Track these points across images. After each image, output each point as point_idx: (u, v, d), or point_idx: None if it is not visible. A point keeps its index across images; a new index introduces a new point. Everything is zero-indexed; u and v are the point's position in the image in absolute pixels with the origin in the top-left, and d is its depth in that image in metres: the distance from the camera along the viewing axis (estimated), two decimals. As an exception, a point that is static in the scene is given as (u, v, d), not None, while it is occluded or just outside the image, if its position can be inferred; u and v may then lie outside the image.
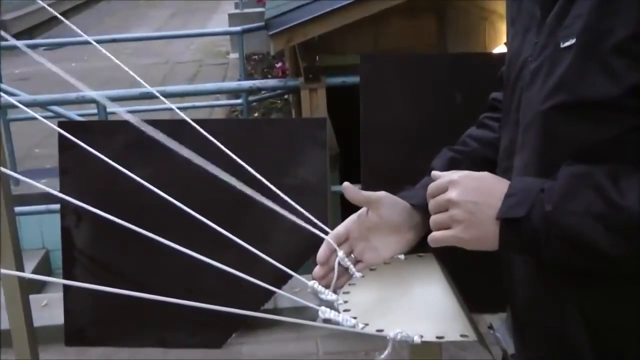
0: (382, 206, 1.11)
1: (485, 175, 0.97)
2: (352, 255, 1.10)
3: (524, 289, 1.05)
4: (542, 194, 0.90)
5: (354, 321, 0.93)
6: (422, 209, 1.10)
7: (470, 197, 0.94)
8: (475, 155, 1.20)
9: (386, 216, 1.10)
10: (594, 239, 0.87)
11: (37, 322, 2.16)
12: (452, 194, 0.95)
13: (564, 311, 0.97)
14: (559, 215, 0.89)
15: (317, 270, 1.08)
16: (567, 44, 0.91)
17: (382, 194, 1.12)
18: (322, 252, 1.09)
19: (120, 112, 1.14)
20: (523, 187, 0.93)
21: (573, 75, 0.90)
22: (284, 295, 3.25)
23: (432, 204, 0.98)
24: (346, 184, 1.11)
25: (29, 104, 3.45)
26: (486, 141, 1.20)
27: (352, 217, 1.12)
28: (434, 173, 1.02)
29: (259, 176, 1.16)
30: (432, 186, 0.99)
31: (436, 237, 0.97)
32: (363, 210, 1.11)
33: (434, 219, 0.98)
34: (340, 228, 1.11)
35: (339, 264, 1.07)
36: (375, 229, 1.10)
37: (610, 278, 0.93)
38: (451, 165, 1.17)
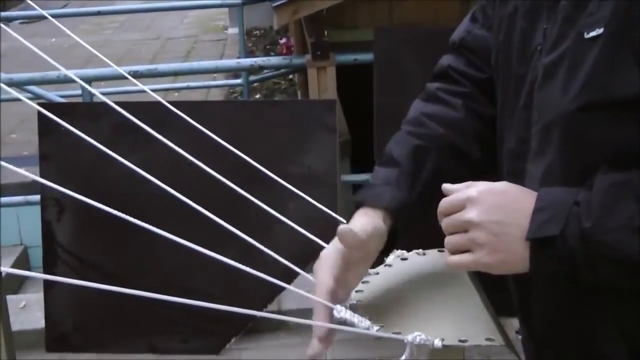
0: (371, 241, 1.05)
1: (507, 188, 0.95)
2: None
3: (544, 306, 1.03)
4: (577, 207, 0.88)
5: (368, 323, 0.93)
6: (392, 215, 1.07)
7: (493, 216, 0.91)
8: (441, 142, 1.14)
9: (372, 249, 1.05)
10: (633, 254, 0.85)
11: (15, 325, 2.17)
12: (471, 214, 0.92)
13: (597, 332, 0.96)
14: (599, 232, 0.86)
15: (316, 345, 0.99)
16: (592, 34, 0.89)
17: (369, 228, 1.05)
18: (320, 327, 0.99)
19: (102, 97, 1.14)
20: (554, 199, 0.90)
21: (604, 71, 0.88)
22: (288, 297, 3.25)
23: (446, 223, 0.95)
24: (342, 228, 1.01)
25: (4, 84, 3.46)
26: (449, 123, 1.15)
27: (338, 265, 1.02)
28: (445, 187, 0.98)
29: (258, 166, 1.17)
30: (446, 202, 0.96)
31: (455, 261, 0.94)
32: (345, 251, 1.02)
33: (450, 241, 0.95)
34: (328, 284, 1.01)
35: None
36: (352, 266, 1.03)
37: None
38: (417, 157, 1.12)
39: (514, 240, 0.91)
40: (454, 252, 0.95)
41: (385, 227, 1.06)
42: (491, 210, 0.92)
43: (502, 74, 1.07)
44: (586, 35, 0.89)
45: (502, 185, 0.95)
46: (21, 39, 1.18)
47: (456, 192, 0.96)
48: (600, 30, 0.88)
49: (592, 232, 0.86)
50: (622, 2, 0.86)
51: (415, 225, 1.12)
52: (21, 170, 0.79)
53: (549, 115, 0.95)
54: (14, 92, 1.14)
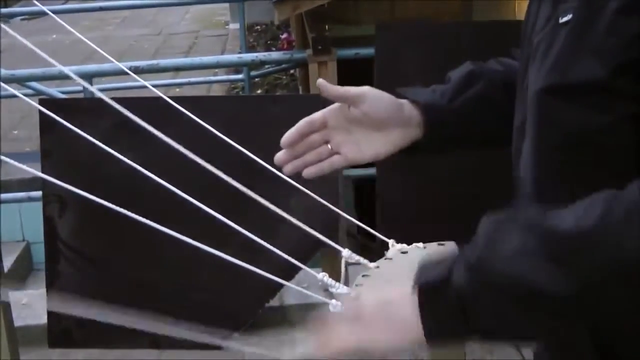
0: (365, 101, 1.09)
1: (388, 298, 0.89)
2: (329, 146, 1.11)
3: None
4: (460, 255, 0.84)
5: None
6: (424, 108, 1.11)
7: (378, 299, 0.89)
8: (495, 77, 1.18)
9: (370, 112, 1.09)
10: (533, 279, 0.77)
11: (18, 321, 2.17)
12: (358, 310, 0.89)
13: None
14: (486, 264, 0.80)
15: (280, 154, 1.09)
16: (565, 19, 0.91)
17: (365, 88, 1.10)
18: (288, 134, 1.09)
19: (99, 93, 1.14)
20: (436, 259, 0.87)
21: (566, 55, 0.90)
22: (291, 292, 3.27)
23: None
24: (320, 80, 1.07)
25: (6, 80, 3.46)
26: (514, 68, 1.16)
27: (333, 106, 1.10)
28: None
29: (258, 159, 1.17)
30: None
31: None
32: (338, 107, 1.10)
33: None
34: (317, 114, 1.09)
35: (347, 262, 1.07)
36: (357, 123, 1.09)
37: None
38: (468, 78, 1.16)
39: (402, 302, 0.85)
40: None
41: (414, 119, 1.10)
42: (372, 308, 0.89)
43: (520, 55, 1.09)
44: (560, 20, 0.92)
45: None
46: (17, 35, 1.18)
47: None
48: (570, 16, 0.90)
49: (479, 266, 0.80)
50: None
51: (443, 139, 1.15)
52: (23, 166, 0.80)
53: (530, 94, 0.97)
54: (10, 89, 1.14)
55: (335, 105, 1.10)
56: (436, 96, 1.14)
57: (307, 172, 1.12)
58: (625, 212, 0.75)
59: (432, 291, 0.83)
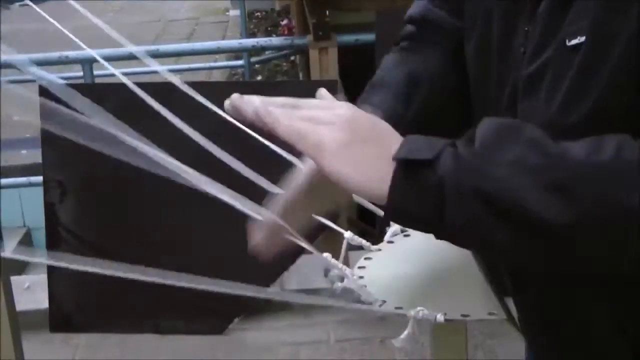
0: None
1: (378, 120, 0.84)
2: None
3: (537, 299, 0.98)
4: (453, 145, 0.78)
5: (372, 297, 0.93)
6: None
7: (365, 124, 0.80)
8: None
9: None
10: (523, 197, 0.73)
11: (19, 306, 2.18)
12: (343, 111, 0.81)
13: (593, 326, 0.91)
14: (479, 163, 0.75)
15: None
16: (574, 42, 0.85)
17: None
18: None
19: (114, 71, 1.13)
20: (428, 137, 0.80)
21: (585, 83, 0.84)
22: (292, 277, 3.26)
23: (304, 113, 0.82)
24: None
25: (5, 66, 3.45)
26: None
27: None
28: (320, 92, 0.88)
29: (265, 142, 1.16)
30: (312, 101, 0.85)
31: (300, 127, 0.79)
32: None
33: (301, 115, 0.81)
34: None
35: (349, 244, 1.07)
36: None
37: None
38: (410, 82, 1.08)
39: (380, 155, 0.78)
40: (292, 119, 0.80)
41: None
42: (364, 120, 0.82)
43: (478, 69, 1.03)
44: (568, 43, 0.86)
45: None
46: (48, 16, 1.17)
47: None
48: (582, 39, 0.84)
49: (470, 163, 0.75)
50: (601, 13, 0.83)
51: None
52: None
53: (536, 123, 0.93)
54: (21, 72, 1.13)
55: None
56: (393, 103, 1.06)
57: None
58: (637, 160, 0.72)
59: (413, 167, 0.76)
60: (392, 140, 0.80)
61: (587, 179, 0.73)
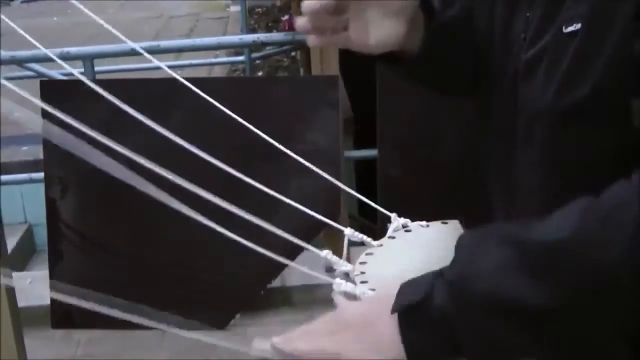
0: None
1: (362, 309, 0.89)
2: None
3: None
4: (440, 276, 0.82)
5: (372, 293, 0.93)
6: (427, 12, 1.05)
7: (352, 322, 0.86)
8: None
9: None
10: (516, 295, 0.75)
11: (21, 302, 2.18)
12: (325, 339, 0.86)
13: None
14: (466, 282, 0.78)
15: (302, 19, 1.01)
16: (570, 28, 0.86)
17: None
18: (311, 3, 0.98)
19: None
20: (416, 278, 0.85)
21: (580, 68, 0.86)
22: (293, 273, 3.26)
23: None
24: None
25: (6, 62, 3.44)
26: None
27: None
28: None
29: (266, 136, 1.16)
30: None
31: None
32: None
33: None
34: None
35: (350, 241, 1.07)
36: (373, 6, 1.01)
37: None
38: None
39: (383, 320, 0.83)
40: None
41: (419, 21, 1.04)
42: (353, 321, 0.86)
43: (490, 59, 1.04)
44: (564, 30, 0.87)
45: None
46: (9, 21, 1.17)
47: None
48: (578, 25, 0.86)
49: (459, 284, 0.79)
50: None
51: (434, 52, 1.07)
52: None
53: (531, 110, 0.93)
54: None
55: None
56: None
57: (313, 41, 1.07)
58: (600, 220, 0.74)
59: (413, 311, 0.81)
60: (383, 316, 0.83)
61: (554, 259, 0.75)
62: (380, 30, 1.04)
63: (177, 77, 1.18)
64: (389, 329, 0.82)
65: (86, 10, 1.20)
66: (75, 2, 1.12)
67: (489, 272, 0.77)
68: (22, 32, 1.16)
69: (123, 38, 1.16)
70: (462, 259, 0.81)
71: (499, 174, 1.04)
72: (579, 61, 0.86)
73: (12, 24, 1.20)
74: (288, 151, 1.13)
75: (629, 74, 0.82)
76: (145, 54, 1.21)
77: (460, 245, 0.83)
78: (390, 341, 0.82)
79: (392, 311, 0.82)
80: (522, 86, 0.95)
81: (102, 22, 1.16)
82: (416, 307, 0.80)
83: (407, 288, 0.83)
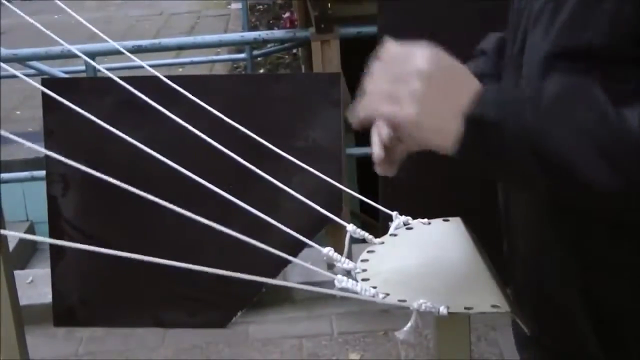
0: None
1: (457, 63, 0.88)
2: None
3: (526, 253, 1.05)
4: (527, 102, 0.82)
5: (373, 291, 0.93)
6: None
7: (442, 76, 0.84)
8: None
9: None
10: (579, 163, 0.78)
11: (23, 300, 2.18)
12: (423, 64, 0.84)
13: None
14: (542, 124, 0.80)
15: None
16: None
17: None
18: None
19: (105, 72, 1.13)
20: (504, 89, 0.87)
21: (578, 17, 0.86)
22: (294, 270, 3.25)
23: (386, 70, 0.87)
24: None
25: (7, 60, 3.44)
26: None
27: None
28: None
29: (260, 139, 1.16)
30: (393, 49, 0.88)
31: (382, 111, 0.85)
32: None
33: (382, 89, 0.86)
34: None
35: (351, 237, 1.07)
36: None
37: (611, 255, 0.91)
38: (500, 46, 1.13)
39: (452, 108, 0.83)
40: (376, 102, 0.86)
41: None
42: (444, 69, 0.85)
43: (510, 19, 1.06)
44: None
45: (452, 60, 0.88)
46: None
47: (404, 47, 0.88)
48: None
49: (535, 125, 0.80)
50: None
51: None
52: (28, 143, 0.79)
53: (532, 63, 0.93)
54: (10, 70, 1.13)
55: None
56: (484, 67, 1.13)
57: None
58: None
59: (479, 122, 0.82)
60: (465, 90, 0.83)
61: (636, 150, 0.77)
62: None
63: (165, 79, 1.18)
64: (454, 119, 0.82)
65: (67, 8, 1.20)
66: (57, 1, 1.12)
67: (568, 129, 0.79)
68: (42, 28, 1.16)
69: (105, 37, 1.15)
70: (549, 100, 0.82)
71: None
72: (579, 11, 0.86)
73: (30, 19, 1.20)
74: (285, 154, 1.13)
75: (626, 35, 0.82)
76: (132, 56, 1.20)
77: (552, 82, 0.86)
78: (451, 131, 0.83)
79: (464, 114, 0.82)
80: (528, 40, 0.95)
81: (82, 20, 1.16)
82: (485, 122, 0.81)
83: (484, 98, 0.82)
